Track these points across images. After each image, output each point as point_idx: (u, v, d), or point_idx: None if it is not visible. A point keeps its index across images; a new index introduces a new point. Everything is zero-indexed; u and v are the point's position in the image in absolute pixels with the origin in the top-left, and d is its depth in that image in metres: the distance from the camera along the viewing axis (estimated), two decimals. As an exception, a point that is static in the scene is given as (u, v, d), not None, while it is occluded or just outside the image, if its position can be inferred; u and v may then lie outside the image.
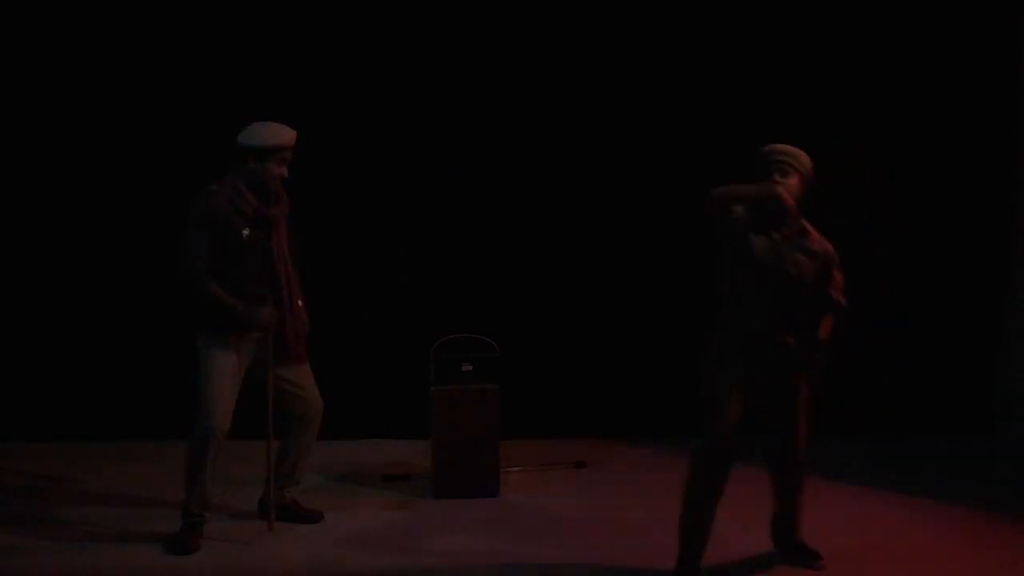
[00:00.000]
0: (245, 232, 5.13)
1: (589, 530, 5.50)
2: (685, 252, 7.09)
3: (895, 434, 7.14)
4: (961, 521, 5.64)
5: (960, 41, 7.01)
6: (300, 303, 5.35)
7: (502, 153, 7.05)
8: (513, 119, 7.04)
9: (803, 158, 4.74)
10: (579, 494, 6.07)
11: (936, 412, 7.17)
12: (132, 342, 7.00)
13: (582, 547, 5.26)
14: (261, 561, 5.07)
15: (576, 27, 7.02)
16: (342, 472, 6.31)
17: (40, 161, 6.98)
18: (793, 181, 4.71)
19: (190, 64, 6.93)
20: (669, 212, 7.10)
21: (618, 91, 7.06)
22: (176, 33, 6.92)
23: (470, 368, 6.02)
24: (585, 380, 7.14)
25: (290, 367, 5.30)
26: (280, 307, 5.21)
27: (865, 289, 7.06)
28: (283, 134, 5.20)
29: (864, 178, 7.08)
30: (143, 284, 6.95)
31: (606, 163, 7.10)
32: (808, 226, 4.82)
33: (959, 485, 6.19)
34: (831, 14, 7.00)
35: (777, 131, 6.87)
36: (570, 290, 7.14)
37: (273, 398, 5.30)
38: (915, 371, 7.18)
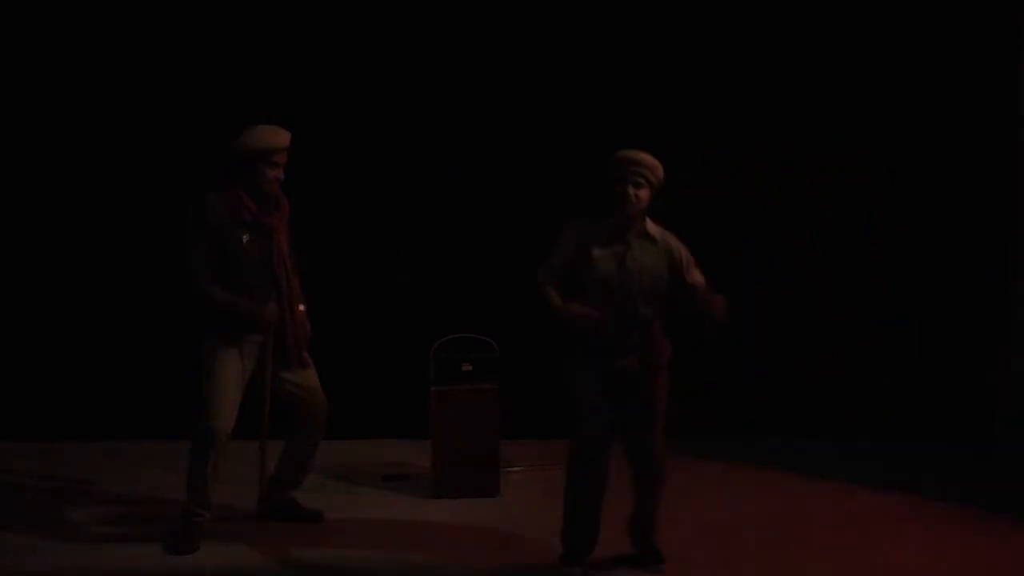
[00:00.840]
0: (244, 238, 5.12)
1: (589, 530, 5.49)
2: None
3: (895, 434, 7.14)
4: (961, 521, 5.63)
5: (960, 41, 7.01)
6: (301, 308, 5.35)
7: (502, 153, 7.06)
8: (513, 120, 7.04)
9: (659, 171, 4.83)
10: (579, 494, 6.06)
11: (936, 413, 7.17)
12: (133, 342, 7.00)
13: (582, 547, 5.25)
14: (261, 561, 5.07)
15: (578, 28, 7.02)
16: (342, 472, 6.31)
17: (41, 163, 6.99)
18: (644, 193, 4.81)
19: (189, 66, 6.95)
20: (668, 212, 7.10)
21: (618, 92, 7.06)
22: (175, 34, 6.93)
23: (470, 368, 6.02)
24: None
25: (293, 370, 5.30)
26: (280, 312, 5.20)
27: (865, 289, 7.09)
28: (275, 136, 5.17)
29: (864, 178, 7.08)
30: (143, 284, 6.96)
31: (605, 163, 7.09)
32: (651, 228, 4.91)
33: (959, 485, 6.19)
34: (831, 14, 7.00)
35: (777, 131, 6.93)
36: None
37: (277, 400, 5.31)
38: (915, 371, 7.17)
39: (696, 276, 4.92)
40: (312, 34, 6.97)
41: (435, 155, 7.05)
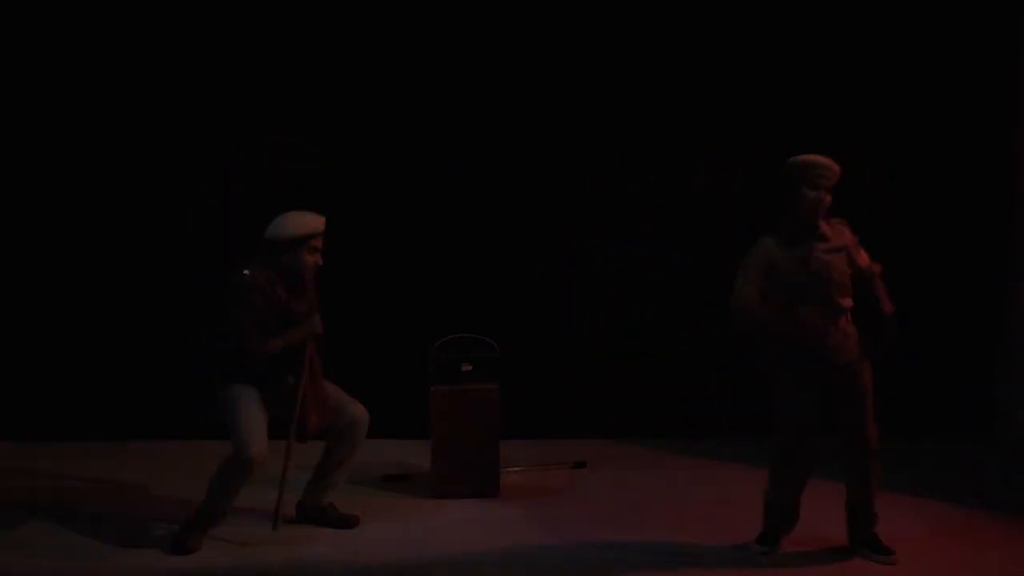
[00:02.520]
0: (273, 321, 5.16)
1: (589, 530, 5.49)
2: (683, 252, 7.10)
3: (895, 434, 7.13)
4: (961, 521, 5.63)
5: (960, 41, 7.02)
6: (324, 387, 5.37)
7: (503, 154, 7.06)
8: (513, 120, 7.05)
9: (837, 170, 4.91)
10: (579, 494, 6.07)
11: (936, 412, 7.17)
12: (133, 342, 7.01)
13: (582, 547, 5.26)
14: (261, 561, 5.07)
15: (578, 29, 7.03)
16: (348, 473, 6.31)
17: (42, 164, 7.00)
18: (828, 194, 4.90)
19: (192, 69, 6.96)
20: (668, 213, 7.11)
21: (619, 93, 7.07)
22: (178, 39, 6.94)
23: (470, 368, 6.02)
24: (585, 380, 7.15)
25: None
26: (300, 392, 5.21)
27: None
28: (312, 222, 5.22)
29: (864, 178, 7.08)
30: (144, 285, 6.96)
31: (606, 164, 7.10)
32: (825, 228, 4.95)
33: (959, 485, 6.19)
34: (831, 14, 7.00)
35: (777, 131, 6.92)
36: (570, 290, 7.15)
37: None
38: (915, 371, 7.18)
39: (863, 258, 5.04)
40: (313, 34, 6.97)
41: (435, 156, 7.06)
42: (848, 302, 4.94)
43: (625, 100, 7.07)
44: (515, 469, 6.37)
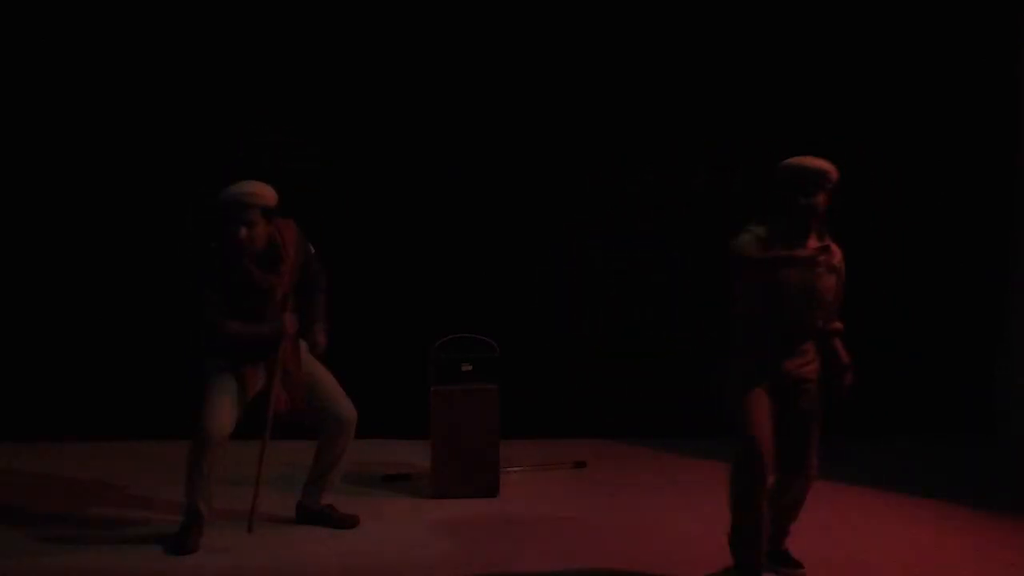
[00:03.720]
0: (245, 294, 5.15)
1: (589, 530, 5.49)
2: (683, 252, 7.10)
3: (895, 434, 7.14)
4: (961, 521, 5.63)
5: (960, 41, 7.02)
6: (297, 332, 5.34)
7: (503, 154, 7.06)
8: (514, 120, 7.05)
9: (835, 176, 4.71)
10: (579, 494, 6.07)
11: (936, 412, 7.18)
12: (133, 342, 7.00)
13: (582, 547, 5.26)
14: (261, 562, 5.07)
15: (579, 30, 7.03)
16: (342, 472, 6.31)
17: (42, 165, 7.00)
18: (822, 198, 4.68)
19: (192, 69, 6.95)
20: (668, 213, 7.11)
21: (619, 94, 7.07)
22: (178, 39, 6.94)
23: (470, 368, 6.02)
24: (585, 380, 7.15)
25: (308, 385, 5.33)
26: (274, 375, 5.21)
27: (866, 289, 7.08)
28: (237, 191, 5.11)
29: (864, 178, 7.09)
30: (143, 285, 6.96)
31: (606, 164, 7.11)
32: (830, 242, 4.78)
33: (959, 485, 6.19)
34: (832, 14, 7.00)
35: (777, 132, 6.93)
36: (570, 290, 7.15)
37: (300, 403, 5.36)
38: (915, 371, 7.18)
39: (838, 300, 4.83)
40: (314, 34, 6.97)
41: (435, 156, 7.06)
42: (823, 324, 4.75)
43: (625, 100, 7.07)
44: (515, 469, 6.37)
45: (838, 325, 4.85)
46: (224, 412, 5.13)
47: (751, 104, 7.03)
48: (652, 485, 6.23)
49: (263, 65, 6.95)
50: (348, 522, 5.48)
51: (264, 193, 5.16)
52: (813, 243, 4.71)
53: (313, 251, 5.43)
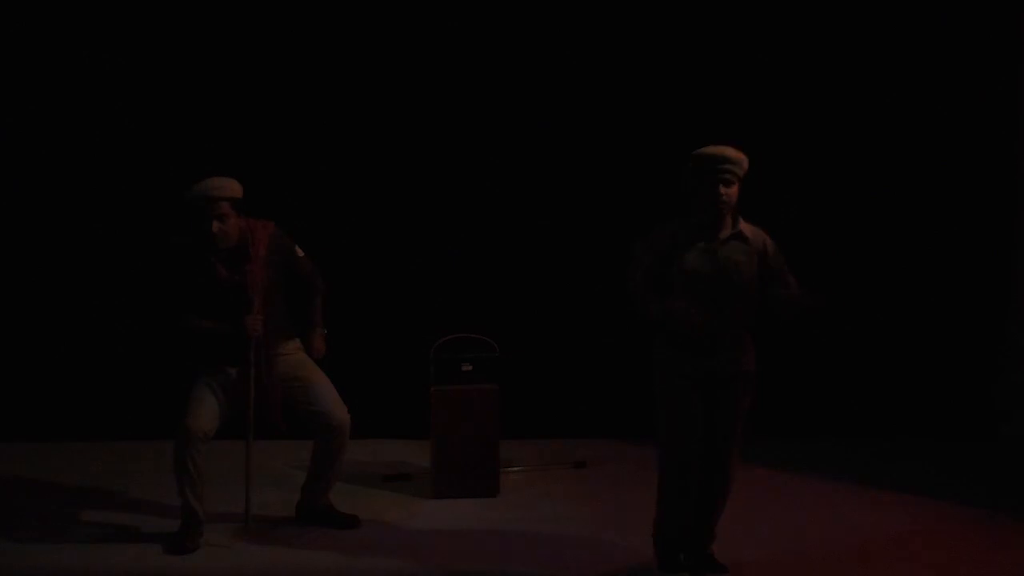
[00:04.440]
0: (218, 289, 5.15)
1: (589, 530, 5.49)
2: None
3: (895, 434, 7.14)
4: (961, 522, 5.63)
5: (960, 41, 7.02)
6: (285, 335, 5.33)
7: (503, 154, 7.06)
8: (514, 120, 7.05)
9: (746, 164, 4.65)
10: (579, 494, 6.07)
11: (937, 413, 7.17)
12: (131, 343, 7.00)
13: (582, 547, 5.26)
14: (258, 562, 5.07)
15: (578, 30, 7.03)
16: (342, 472, 6.30)
17: (42, 166, 7.00)
18: (734, 190, 4.63)
19: (192, 69, 6.95)
20: (669, 213, 7.11)
21: (619, 94, 7.07)
22: (178, 39, 6.93)
23: (470, 368, 6.02)
24: (585, 380, 7.15)
25: (292, 384, 5.31)
26: (247, 378, 5.20)
27: (866, 289, 7.09)
28: (205, 187, 5.11)
29: (864, 178, 7.09)
30: (143, 285, 6.95)
31: (606, 164, 7.10)
32: (743, 226, 4.72)
33: (959, 485, 6.19)
34: (832, 15, 7.00)
35: (777, 132, 6.93)
36: (570, 290, 7.15)
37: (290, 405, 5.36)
38: (916, 372, 7.18)
39: (788, 276, 4.73)
40: (314, 34, 6.97)
41: (436, 156, 7.05)
42: (748, 311, 4.66)
43: (624, 101, 7.07)
44: (515, 469, 6.37)
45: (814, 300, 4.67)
46: (204, 410, 5.16)
47: (750, 105, 7.02)
48: (652, 485, 6.21)
49: (263, 65, 6.94)
50: (348, 522, 5.48)
51: (231, 186, 5.16)
52: (726, 231, 4.64)
53: (302, 254, 5.41)
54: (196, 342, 5.21)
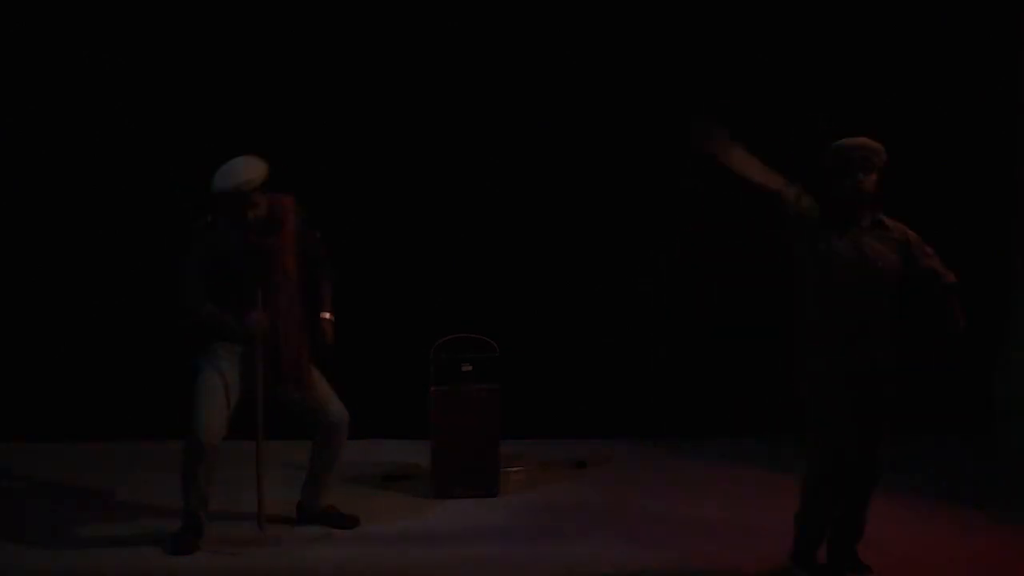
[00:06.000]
0: (242, 264, 5.13)
1: (589, 530, 5.49)
2: (685, 252, 7.10)
3: (895, 434, 7.12)
4: (960, 521, 5.63)
5: (960, 41, 7.01)
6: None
7: (502, 154, 7.06)
8: (514, 120, 7.05)
9: (882, 152, 4.73)
10: (579, 494, 6.07)
11: (936, 412, 7.16)
12: (132, 342, 7.00)
13: (582, 547, 5.26)
14: (260, 562, 5.07)
15: (577, 29, 7.02)
16: (342, 472, 6.28)
17: (42, 165, 7.00)
18: (873, 177, 4.71)
19: (190, 67, 6.94)
20: (669, 213, 7.11)
21: (620, 94, 7.06)
22: (175, 38, 6.93)
23: (470, 368, 6.02)
24: (585, 380, 7.14)
25: (297, 387, 5.30)
26: (275, 336, 5.18)
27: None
28: (236, 179, 5.07)
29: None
30: (143, 285, 6.95)
31: (607, 163, 7.10)
32: (882, 217, 4.80)
33: (959, 485, 6.19)
34: (831, 14, 7.00)
35: (776, 132, 6.91)
36: (570, 290, 7.14)
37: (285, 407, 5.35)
38: (915, 371, 7.16)
39: (934, 262, 4.79)
40: (314, 33, 6.97)
41: (435, 156, 7.05)
42: (892, 301, 4.70)
43: (624, 100, 7.06)
44: (515, 469, 6.37)
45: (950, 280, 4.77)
46: (217, 417, 5.12)
47: (750, 105, 7.01)
48: (652, 485, 6.22)
49: (263, 65, 6.94)
50: (348, 522, 5.48)
51: (260, 171, 5.12)
52: (866, 221, 4.69)
53: (319, 235, 5.40)
54: (208, 332, 5.17)
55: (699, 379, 7.17)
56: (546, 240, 7.13)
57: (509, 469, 6.29)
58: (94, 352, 7.02)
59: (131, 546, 5.22)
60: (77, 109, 6.96)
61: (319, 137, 7.02)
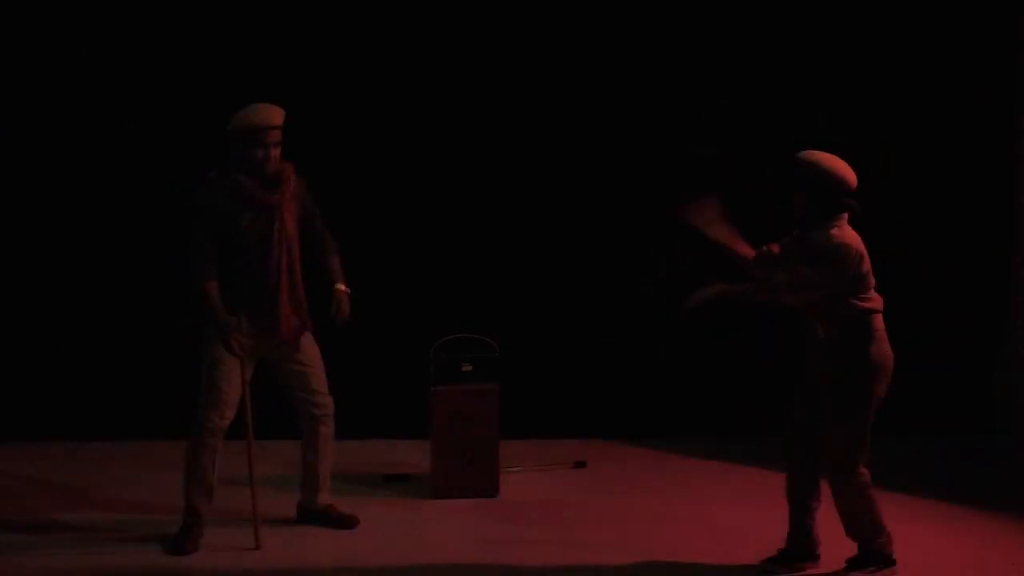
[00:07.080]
0: (244, 221, 5.12)
1: (590, 530, 5.49)
2: (686, 252, 7.08)
3: (896, 434, 7.12)
4: (960, 521, 5.63)
5: (960, 41, 7.01)
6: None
7: (502, 153, 7.05)
8: (514, 119, 7.04)
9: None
10: (579, 494, 6.07)
11: (936, 411, 7.16)
12: (132, 342, 7.00)
13: (583, 547, 5.26)
14: (259, 562, 5.07)
15: (577, 28, 7.02)
16: (342, 472, 6.29)
17: (41, 163, 6.99)
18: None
19: (190, 61, 6.93)
20: (669, 213, 7.10)
21: (620, 93, 7.05)
22: (175, 29, 6.91)
23: (470, 368, 6.02)
24: (585, 380, 7.14)
25: (290, 363, 5.29)
26: (275, 298, 5.17)
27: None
28: (258, 116, 5.13)
29: (864, 179, 7.07)
30: (143, 284, 6.95)
31: (607, 163, 7.10)
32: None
33: (959, 485, 6.19)
34: (831, 14, 6.99)
35: (777, 132, 6.92)
36: (570, 290, 7.14)
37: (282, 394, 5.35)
38: (915, 370, 7.16)
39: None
40: (314, 31, 6.96)
41: (435, 155, 7.05)
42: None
43: (625, 100, 7.06)
44: (515, 469, 6.37)
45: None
46: (222, 405, 5.13)
47: (749, 104, 7.01)
48: (652, 485, 6.22)
49: (262, 64, 6.93)
50: (348, 522, 5.48)
51: (281, 112, 5.17)
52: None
53: (318, 211, 5.40)
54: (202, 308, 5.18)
55: (699, 379, 7.17)
56: (546, 240, 7.13)
57: (509, 469, 6.29)
58: (94, 351, 7.01)
59: (131, 546, 5.21)
60: (77, 109, 6.95)
61: (319, 137, 7.01)
